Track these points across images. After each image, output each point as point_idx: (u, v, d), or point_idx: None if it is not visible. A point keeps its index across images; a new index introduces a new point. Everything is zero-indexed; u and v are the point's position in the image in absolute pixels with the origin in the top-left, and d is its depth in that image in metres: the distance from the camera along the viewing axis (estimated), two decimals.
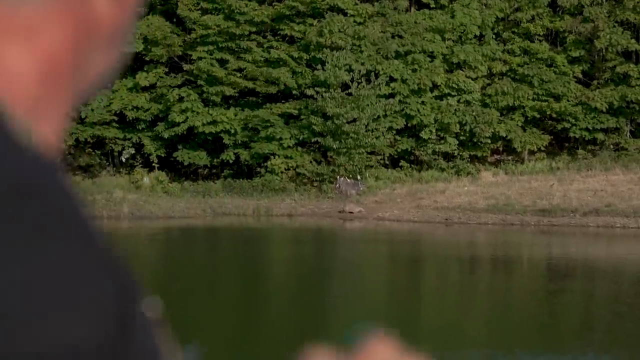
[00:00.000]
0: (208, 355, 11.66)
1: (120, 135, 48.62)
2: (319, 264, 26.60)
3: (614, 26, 47.28)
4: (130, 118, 48.19)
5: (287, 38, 49.04)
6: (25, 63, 0.44)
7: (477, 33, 48.56)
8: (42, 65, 0.45)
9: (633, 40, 46.95)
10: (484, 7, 48.81)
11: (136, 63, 48.11)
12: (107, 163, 49.29)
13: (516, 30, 49.45)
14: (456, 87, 47.39)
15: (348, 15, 47.75)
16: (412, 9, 49.76)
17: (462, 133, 47.09)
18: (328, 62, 45.34)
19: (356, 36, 46.85)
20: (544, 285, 23.74)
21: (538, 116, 48.32)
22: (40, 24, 0.46)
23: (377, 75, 45.89)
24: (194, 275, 22.56)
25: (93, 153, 48.81)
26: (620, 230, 38.55)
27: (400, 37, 47.50)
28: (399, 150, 47.38)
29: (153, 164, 47.21)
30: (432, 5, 49.29)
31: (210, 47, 47.26)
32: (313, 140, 46.39)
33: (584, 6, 47.98)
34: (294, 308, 18.49)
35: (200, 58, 47.13)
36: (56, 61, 0.46)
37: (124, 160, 49.22)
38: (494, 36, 49.17)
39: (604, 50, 47.62)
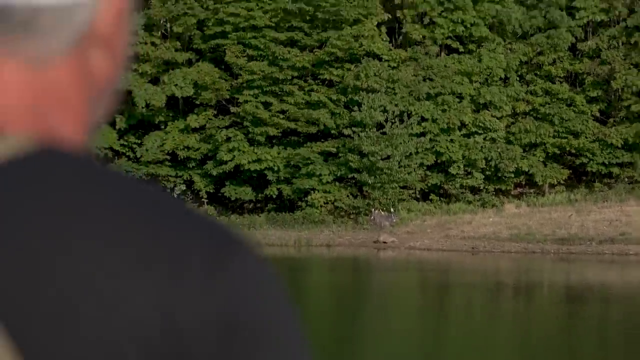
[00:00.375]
0: None
1: (173, 172, 50.67)
2: (355, 290, 27.98)
3: (630, 68, 48.88)
4: (182, 157, 50.30)
5: (326, 82, 50.84)
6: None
7: (502, 75, 50.22)
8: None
9: None
10: (508, 51, 50.69)
11: (187, 106, 50.73)
12: None
13: (538, 73, 51.10)
14: (482, 125, 49.08)
15: (383, 60, 49.77)
16: (442, 53, 51.68)
17: (487, 168, 48.45)
18: (364, 104, 47.38)
19: (390, 79, 48.75)
20: (563, 309, 25.07)
21: (558, 152, 49.58)
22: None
23: (409, 116, 47.84)
24: None
25: None
26: (634, 257, 39.49)
27: (431, 80, 49.35)
28: (429, 184, 48.86)
29: (202, 199, 49.04)
30: (461, 50, 51.15)
31: (256, 91, 49.20)
32: (350, 176, 47.94)
33: (602, 50, 49.70)
34: (330, 331, 18.60)
35: (246, 101, 49.11)
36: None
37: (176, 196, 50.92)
38: (517, 78, 50.75)
39: (620, 91, 49.07)
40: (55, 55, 0.61)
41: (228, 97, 50.71)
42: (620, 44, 50.22)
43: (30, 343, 0.53)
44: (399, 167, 46.69)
